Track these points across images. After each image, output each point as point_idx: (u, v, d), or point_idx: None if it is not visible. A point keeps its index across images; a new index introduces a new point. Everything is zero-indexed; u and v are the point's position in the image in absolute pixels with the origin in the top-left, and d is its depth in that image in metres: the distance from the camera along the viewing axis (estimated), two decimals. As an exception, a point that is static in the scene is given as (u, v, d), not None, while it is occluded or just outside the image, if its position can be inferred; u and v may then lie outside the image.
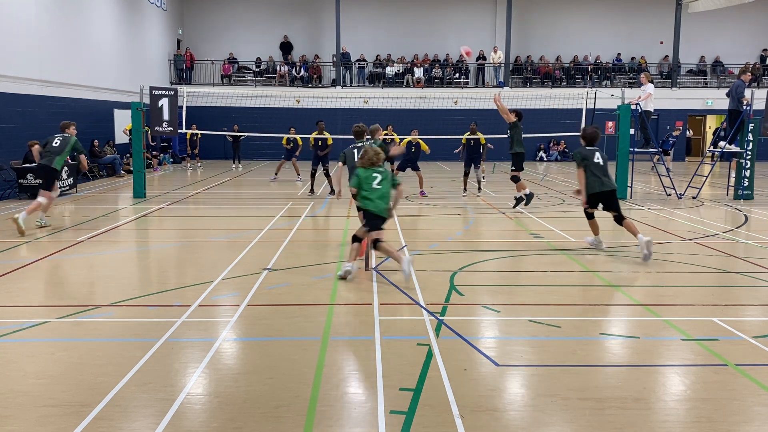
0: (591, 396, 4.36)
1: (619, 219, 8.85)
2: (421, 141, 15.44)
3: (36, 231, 10.40)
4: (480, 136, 15.26)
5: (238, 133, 23.02)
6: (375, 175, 7.39)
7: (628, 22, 30.97)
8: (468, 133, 15.44)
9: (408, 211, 13.01)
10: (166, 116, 15.29)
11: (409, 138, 15.47)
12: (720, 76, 30.57)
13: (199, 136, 23.96)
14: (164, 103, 15.26)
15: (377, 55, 30.01)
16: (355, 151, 8.57)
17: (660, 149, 16.38)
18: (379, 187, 7.35)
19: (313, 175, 15.96)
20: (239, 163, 24.06)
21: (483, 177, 17.29)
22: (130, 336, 5.52)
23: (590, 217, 9.13)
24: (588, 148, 9.08)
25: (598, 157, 8.90)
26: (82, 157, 11.72)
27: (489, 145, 16.48)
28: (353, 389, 4.48)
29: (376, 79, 29.71)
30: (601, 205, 8.97)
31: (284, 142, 18.85)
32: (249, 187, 17.55)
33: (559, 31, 31.01)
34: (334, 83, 29.12)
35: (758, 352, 5.20)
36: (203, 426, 3.93)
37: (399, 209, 12.90)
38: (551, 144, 29.56)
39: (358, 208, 7.72)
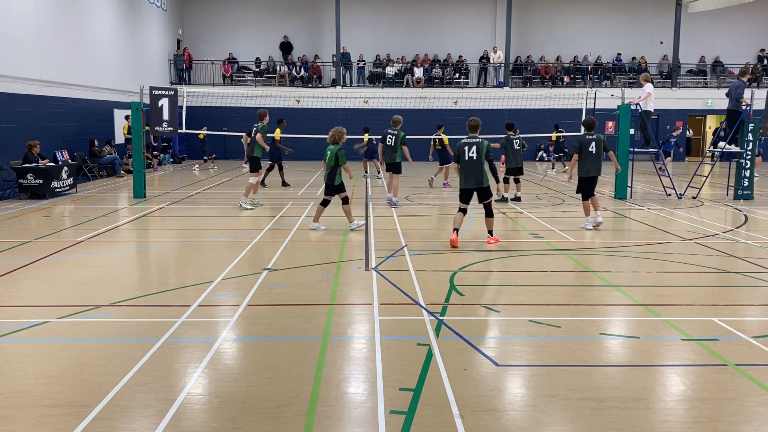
0: (591, 396, 4.36)
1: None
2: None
3: (36, 230, 10.42)
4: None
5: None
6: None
7: (628, 22, 30.95)
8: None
9: (408, 211, 13.01)
10: (166, 116, 15.28)
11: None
12: (720, 76, 30.53)
13: (205, 139, 23.99)
14: (164, 103, 15.25)
15: (377, 55, 29.98)
16: (466, 147, 9.30)
17: (661, 150, 16.31)
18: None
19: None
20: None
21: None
22: (130, 336, 5.52)
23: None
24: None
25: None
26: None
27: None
28: (353, 389, 4.48)
29: (376, 79, 29.68)
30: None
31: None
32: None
33: (559, 31, 30.97)
34: (334, 83, 29.10)
35: (758, 352, 5.20)
36: (203, 426, 3.93)
37: (400, 209, 12.93)
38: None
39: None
